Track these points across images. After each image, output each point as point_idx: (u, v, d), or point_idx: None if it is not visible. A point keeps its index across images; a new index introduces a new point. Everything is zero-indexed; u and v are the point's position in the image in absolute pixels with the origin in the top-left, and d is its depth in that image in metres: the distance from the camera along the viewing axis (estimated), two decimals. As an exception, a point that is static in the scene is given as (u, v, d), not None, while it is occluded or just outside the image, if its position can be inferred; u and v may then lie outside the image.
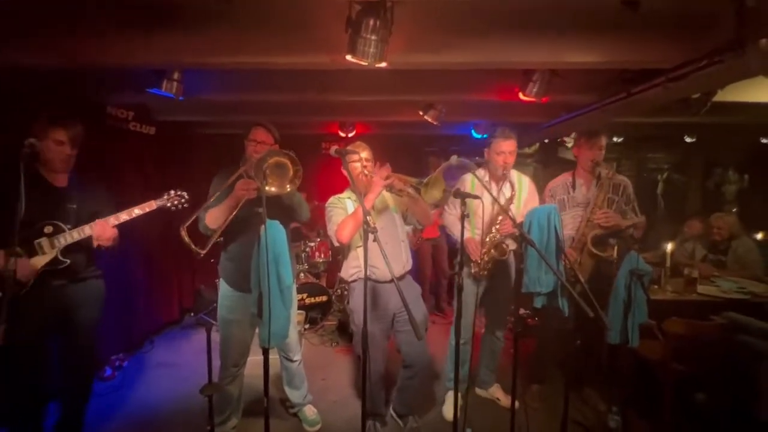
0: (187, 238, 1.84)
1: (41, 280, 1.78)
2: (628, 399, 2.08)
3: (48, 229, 1.79)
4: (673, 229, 4.04)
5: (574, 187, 2.50)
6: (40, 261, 1.77)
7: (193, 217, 1.90)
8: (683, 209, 5.31)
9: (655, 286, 2.77)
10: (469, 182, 2.36)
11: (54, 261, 1.80)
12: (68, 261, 1.82)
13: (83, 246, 1.87)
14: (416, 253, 4.08)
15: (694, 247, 3.58)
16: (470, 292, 2.31)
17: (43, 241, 1.78)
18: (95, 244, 1.86)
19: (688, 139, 4.55)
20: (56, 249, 1.80)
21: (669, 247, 2.86)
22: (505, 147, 2.29)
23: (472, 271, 2.33)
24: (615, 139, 4.85)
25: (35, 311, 1.75)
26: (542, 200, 2.60)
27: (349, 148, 2.06)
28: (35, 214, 1.71)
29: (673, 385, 2.28)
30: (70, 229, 1.82)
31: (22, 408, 1.83)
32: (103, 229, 1.83)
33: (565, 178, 2.56)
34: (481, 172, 2.41)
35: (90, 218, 1.88)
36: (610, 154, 5.46)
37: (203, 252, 1.89)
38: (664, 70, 1.94)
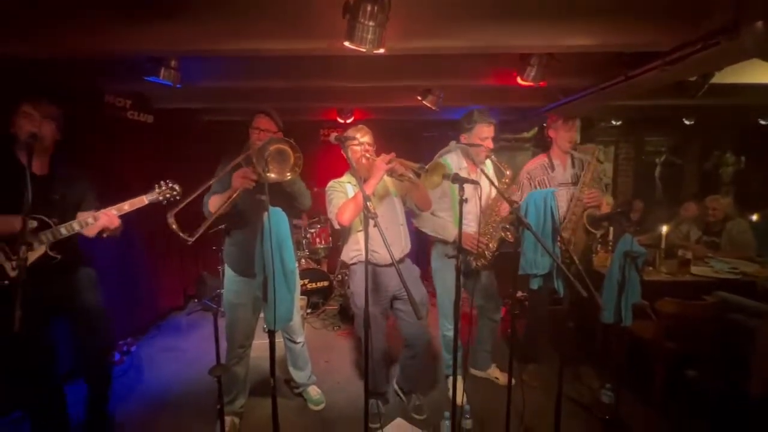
0: (174, 226, 1.79)
1: (30, 274, 1.65)
2: (621, 376, 2.16)
3: (32, 224, 1.69)
4: (671, 211, 4.09)
5: (552, 167, 2.56)
6: (29, 257, 1.67)
7: (182, 204, 1.84)
8: (681, 192, 5.35)
9: (650, 268, 2.83)
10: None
11: (44, 257, 1.75)
12: (59, 257, 1.79)
13: (70, 237, 1.81)
14: (419, 236, 4.09)
15: (690, 229, 3.64)
16: (450, 278, 2.32)
17: (30, 236, 1.68)
18: (104, 234, 1.86)
19: (686, 122, 4.55)
20: (44, 245, 1.74)
21: (664, 229, 2.92)
22: (488, 132, 2.28)
23: (478, 263, 2.28)
24: (613, 122, 4.85)
25: (29, 303, 1.61)
26: (519, 183, 2.63)
27: (349, 131, 2.08)
28: (17, 206, 1.55)
29: (664, 362, 2.36)
30: (56, 223, 1.76)
31: (38, 391, 1.86)
32: (110, 221, 1.82)
33: (541, 159, 2.62)
34: (453, 158, 2.36)
35: (75, 209, 1.84)
36: (609, 137, 5.48)
37: (191, 240, 1.84)
38: (661, 53, 1.95)
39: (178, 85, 2.42)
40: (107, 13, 1.77)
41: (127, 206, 1.87)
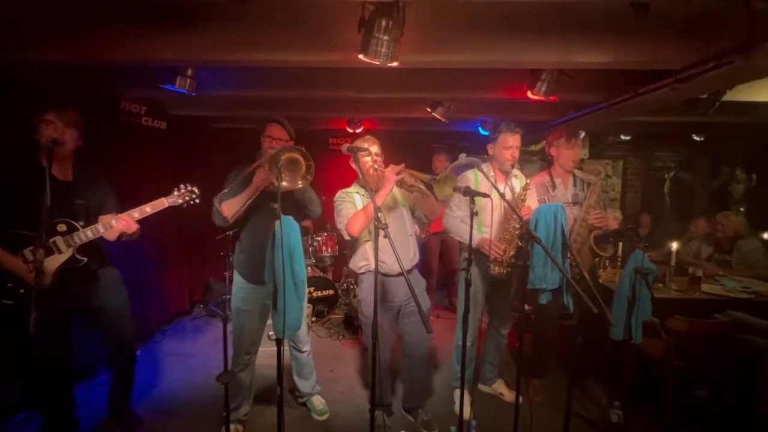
0: (218, 205, 1.87)
1: (59, 276, 1.81)
2: (630, 394, 2.12)
3: (61, 227, 1.80)
4: (680, 228, 4.05)
5: (553, 186, 2.53)
6: (57, 260, 1.79)
7: (228, 188, 1.91)
8: (690, 208, 5.30)
9: (660, 285, 2.80)
10: (472, 179, 2.36)
11: (71, 260, 1.83)
12: (85, 259, 1.85)
13: (94, 240, 1.89)
14: (423, 247, 4.09)
15: (700, 246, 3.59)
16: (479, 291, 2.34)
17: (59, 240, 1.79)
18: (123, 238, 1.91)
19: (696, 138, 4.53)
20: (72, 248, 1.82)
21: (674, 246, 2.89)
22: (512, 141, 2.30)
23: (495, 270, 2.28)
24: (622, 137, 4.84)
25: (56, 305, 1.78)
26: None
27: (358, 142, 2.10)
28: (44, 211, 1.65)
29: (674, 381, 2.32)
30: (82, 227, 1.84)
31: (51, 393, 1.89)
32: (128, 225, 1.87)
33: (542, 177, 2.59)
34: (484, 168, 2.40)
35: (97, 212, 1.91)
36: (617, 152, 5.47)
37: (231, 220, 1.93)
38: (673, 71, 1.96)
39: (193, 93, 2.47)
40: (132, 23, 1.83)
41: (149, 209, 1.92)
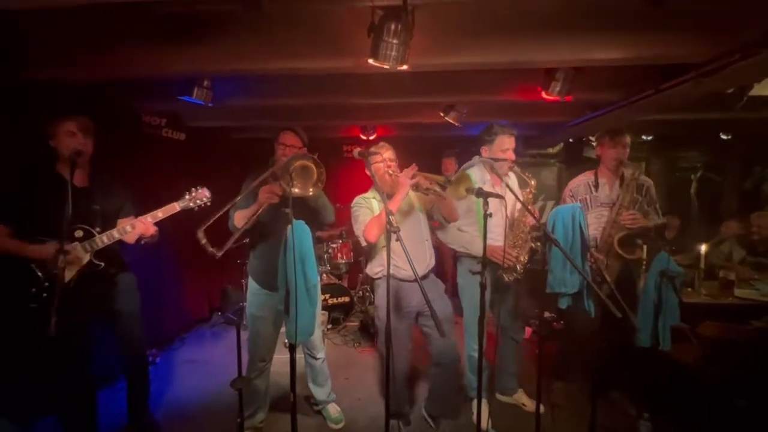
0: (203, 240, 1.81)
1: (77, 281, 1.86)
2: (659, 404, 2.01)
3: (78, 233, 1.85)
4: (708, 230, 3.87)
5: (597, 186, 2.44)
6: (77, 264, 1.84)
7: (212, 220, 1.87)
8: (719, 210, 5.07)
9: (689, 289, 2.67)
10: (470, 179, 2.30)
11: (89, 264, 1.87)
12: (102, 264, 1.90)
13: (111, 245, 1.93)
14: (437, 250, 4.03)
15: (732, 248, 3.42)
16: (486, 298, 2.26)
17: (77, 246, 1.84)
18: (142, 241, 1.96)
19: (723, 137, 4.35)
20: (89, 252, 1.87)
21: (703, 248, 2.75)
22: (509, 143, 2.24)
23: (508, 278, 2.22)
24: (644, 137, 4.68)
25: (76, 309, 1.83)
26: (562, 200, 2.55)
27: (372, 149, 2.10)
28: (62, 217, 1.68)
29: (708, 390, 2.19)
30: (99, 232, 1.88)
31: (73, 396, 1.93)
32: (146, 228, 1.92)
33: (587, 176, 2.50)
34: (476, 171, 2.32)
35: (113, 218, 1.96)
36: (639, 152, 5.29)
37: (219, 254, 1.85)
38: (695, 65, 1.88)
39: (209, 104, 2.53)
40: (148, 38, 1.89)
41: (161, 213, 1.96)
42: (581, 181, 2.49)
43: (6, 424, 1.58)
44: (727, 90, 2.45)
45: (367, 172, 1.99)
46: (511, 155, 2.25)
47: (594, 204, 2.41)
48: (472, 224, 2.29)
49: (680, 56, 1.87)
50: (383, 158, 2.08)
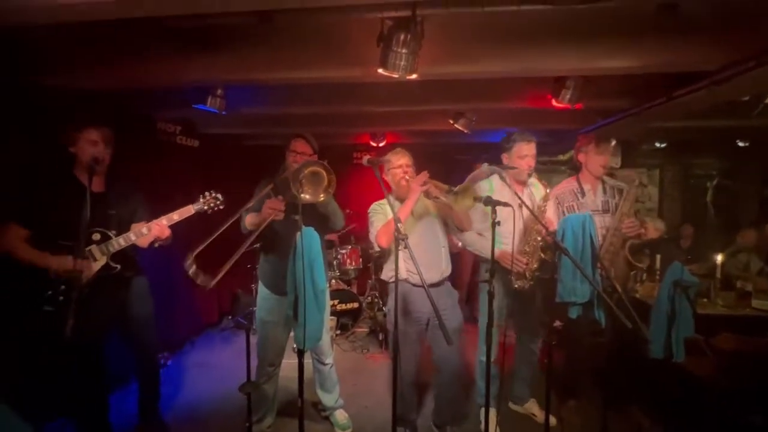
0: (193, 268, 1.70)
1: (94, 283, 1.91)
2: (673, 417, 1.96)
3: (96, 236, 1.90)
4: (725, 239, 3.78)
5: (582, 193, 2.42)
6: (93, 267, 1.90)
7: (202, 246, 1.78)
8: (735, 218, 4.94)
9: (704, 300, 2.61)
10: (487, 189, 2.28)
11: (106, 267, 1.92)
12: (119, 266, 1.95)
13: (126, 248, 1.98)
14: (457, 257, 4.01)
15: (749, 258, 3.34)
16: (502, 305, 2.24)
17: (94, 249, 1.89)
18: (156, 244, 2.01)
19: (740, 144, 4.26)
20: (106, 255, 1.92)
21: (719, 258, 2.69)
22: (528, 150, 2.24)
23: (517, 284, 2.20)
24: (657, 144, 4.62)
25: (92, 311, 1.87)
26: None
27: (388, 155, 2.13)
28: (79, 221, 1.71)
29: (724, 404, 2.12)
30: (115, 236, 1.93)
31: (86, 398, 1.98)
32: (161, 231, 1.97)
33: (570, 183, 2.49)
34: (497, 179, 2.34)
35: (129, 222, 2.00)
36: (653, 159, 5.21)
37: (212, 284, 1.75)
38: (708, 73, 1.86)
39: (223, 112, 2.59)
40: (162, 48, 1.95)
41: (176, 216, 2.00)
42: (565, 188, 2.48)
43: (19, 423, 1.62)
44: (741, 98, 2.41)
45: (385, 177, 2.02)
46: (530, 162, 2.24)
47: (581, 211, 2.38)
48: (489, 229, 2.29)
49: (692, 64, 1.85)
50: (399, 164, 2.10)
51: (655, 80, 2.28)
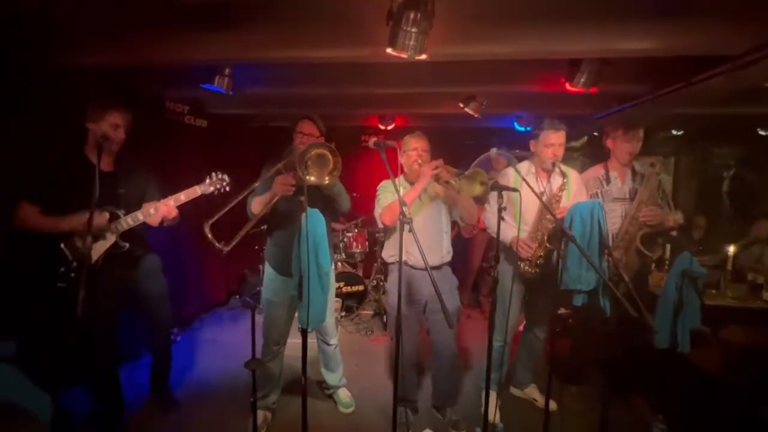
0: (210, 235, 1.85)
1: (104, 261, 1.95)
2: (677, 408, 1.96)
3: (105, 215, 1.91)
4: (741, 231, 3.70)
5: (608, 180, 2.37)
6: (102, 245, 1.93)
7: (219, 215, 1.90)
8: (752, 210, 4.82)
9: (714, 291, 2.57)
10: (512, 176, 2.27)
11: (115, 245, 1.95)
12: (127, 245, 1.98)
13: (136, 227, 2.01)
14: (469, 242, 4.01)
15: (763, 251, 3.27)
16: (516, 291, 2.24)
17: (105, 215, 1.90)
18: (165, 223, 2.03)
19: (761, 132, 4.12)
20: (116, 234, 1.95)
21: (731, 249, 2.64)
22: (555, 139, 2.20)
23: (523, 268, 2.20)
24: (673, 132, 4.49)
25: (103, 288, 1.92)
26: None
27: (406, 138, 2.15)
28: (88, 200, 1.70)
29: (731, 397, 2.12)
30: (124, 215, 1.95)
31: (99, 368, 2.05)
32: (169, 211, 1.98)
33: (597, 171, 2.43)
34: (525, 165, 2.33)
35: (138, 201, 2.02)
36: (669, 148, 5.07)
37: (227, 249, 1.89)
38: (729, 57, 1.78)
39: (230, 92, 2.57)
40: (168, 27, 1.92)
41: (183, 196, 2.02)
42: (591, 175, 2.42)
43: (36, 393, 1.69)
44: (765, 84, 2.31)
45: (400, 159, 2.03)
46: (556, 151, 2.19)
47: (606, 199, 2.34)
48: (511, 215, 2.28)
49: (712, 47, 1.77)
50: (415, 147, 2.10)
51: (674, 64, 2.19)
